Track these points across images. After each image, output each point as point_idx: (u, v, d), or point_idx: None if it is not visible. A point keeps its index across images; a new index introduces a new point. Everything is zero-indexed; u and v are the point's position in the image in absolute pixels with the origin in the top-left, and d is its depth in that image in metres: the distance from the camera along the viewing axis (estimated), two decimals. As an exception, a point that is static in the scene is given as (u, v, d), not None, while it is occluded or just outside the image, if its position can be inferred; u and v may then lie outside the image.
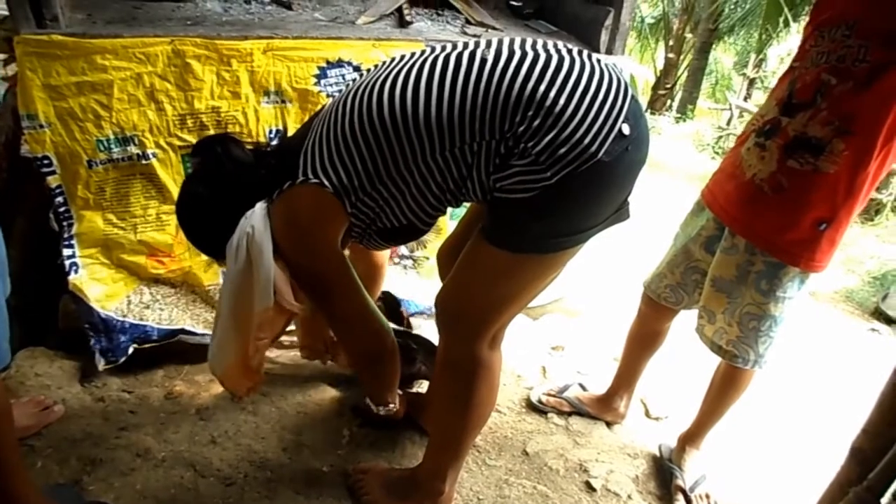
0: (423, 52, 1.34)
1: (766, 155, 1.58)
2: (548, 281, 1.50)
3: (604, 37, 2.42)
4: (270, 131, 2.05)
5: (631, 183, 1.35)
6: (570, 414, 2.22)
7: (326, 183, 1.32)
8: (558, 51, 1.29)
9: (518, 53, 1.26)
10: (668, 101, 12.83)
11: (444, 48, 1.34)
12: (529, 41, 1.31)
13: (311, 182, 1.33)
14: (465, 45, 1.32)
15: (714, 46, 12.74)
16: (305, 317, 1.90)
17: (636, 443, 2.16)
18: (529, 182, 1.24)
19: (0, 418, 1.25)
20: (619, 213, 1.38)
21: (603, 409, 2.21)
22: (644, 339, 2.11)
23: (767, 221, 1.59)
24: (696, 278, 1.85)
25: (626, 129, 1.24)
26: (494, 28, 2.48)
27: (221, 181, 1.44)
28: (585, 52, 1.31)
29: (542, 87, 1.22)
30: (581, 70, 1.25)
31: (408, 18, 2.38)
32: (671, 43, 12.72)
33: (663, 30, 13.07)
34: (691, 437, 2.00)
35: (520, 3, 2.75)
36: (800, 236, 1.56)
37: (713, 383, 1.93)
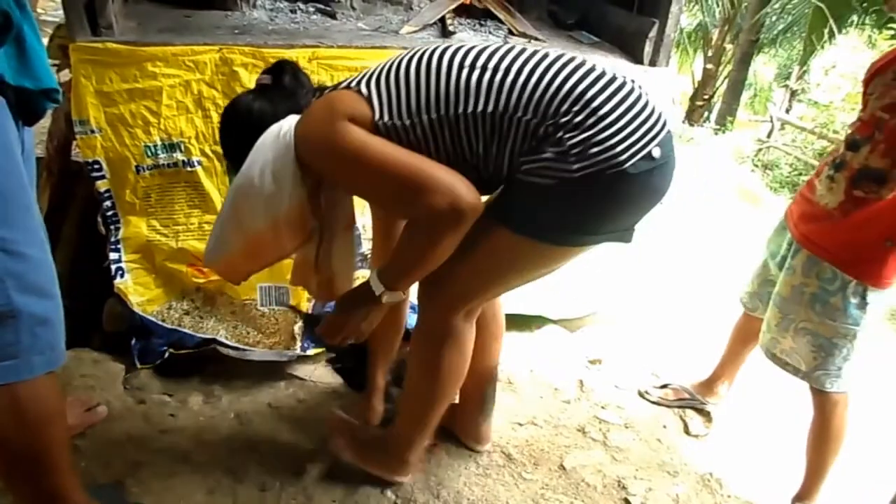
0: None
1: (834, 186, 1.72)
2: (538, 273, 1.55)
3: (647, 48, 2.40)
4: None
5: (645, 208, 1.43)
6: (680, 405, 2.36)
7: (364, 90, 1.36)
8: (612, 72, 1.38)
9: (578, 59, 1.38)
10: (706, 113, 12.67)
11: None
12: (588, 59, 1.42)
13: (351, 87, 1.39)
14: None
15: (754, 57, 12.55)
16: (299, 258, 1.72)
17: (675, 461, 2.12)
18: (553, 170, 1.31)
19: (54, 419, 1.27)
20: (624, 233, 1.46)
21: (706, 391, 2.36)
22: (745, 335, 2.22)
23: (835, 238, 1.74)
24: (769, 290, 2.00)
25: (656, 153, 1.33)
26: (537, 39, 2.47)
27: (284, 102, 1.46)
28: (637, 82, 1.41)
29: (592, 91, 1.31)
30: (630, 90, 1.35)
31: (451, 28, 2.38)
32: (710, 53, 12.57)
33: (701, 40, 12.92)
34: (802, 497, 1.98)
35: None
36: (867, 252, 1.70)
37: (808, 436, 1.94)
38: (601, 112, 1.29)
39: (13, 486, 1.32)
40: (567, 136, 1.29)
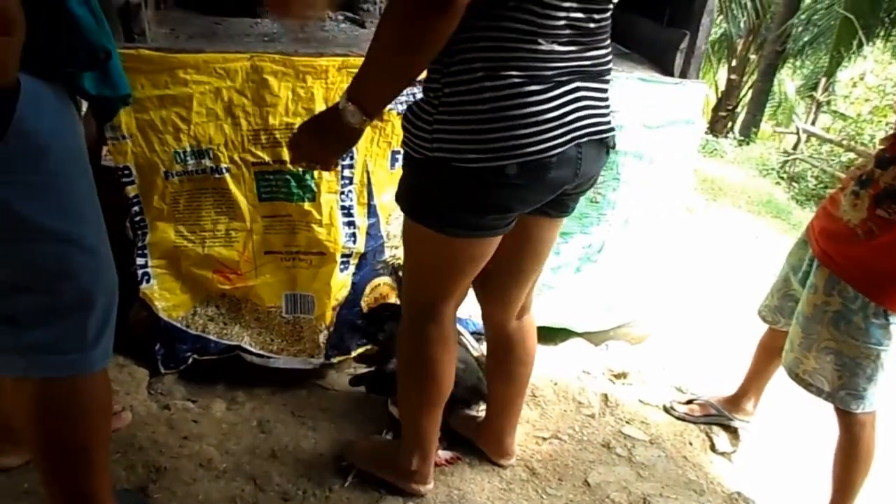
0: None
1: (858, 203, 1.70)
2: (455, 265, 1.45)
3: (678, 60, 2.38)
4: (341, 148, 2.05)
5: (488, 215, 1.33)
6: (707, 421, 2.34)
7: None
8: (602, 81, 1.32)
9: (590, 53, 1.26)
10: (730, 124, 12.56)
11: None
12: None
13: None
14: None
15: (779, 68, 12.43)
16: None
17: (701, 479, 2.08)
18: (417, 142, 1.28)
19: (100, 414, 1.27)
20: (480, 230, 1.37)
21: (733, 408, 2.33)
22: (771, 350, 2.18)
23: (857, 260, 1.69)
24: (791, 305, 1.99)
25: (511, 170, 1.23)
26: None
27: None
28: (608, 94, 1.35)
29: (511, 82, 1.18)
30: (563, 93, 1.24)
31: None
32: (734, 64, 12.47)
33: (725, 50, 12.83)
34: None
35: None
36: (889, 277, 1.65)
37: (835, 457, 1.89)
38: (489, 106, 1.19)
39: (52, 480, 1.29)
40: (441, 109, 1.23)
